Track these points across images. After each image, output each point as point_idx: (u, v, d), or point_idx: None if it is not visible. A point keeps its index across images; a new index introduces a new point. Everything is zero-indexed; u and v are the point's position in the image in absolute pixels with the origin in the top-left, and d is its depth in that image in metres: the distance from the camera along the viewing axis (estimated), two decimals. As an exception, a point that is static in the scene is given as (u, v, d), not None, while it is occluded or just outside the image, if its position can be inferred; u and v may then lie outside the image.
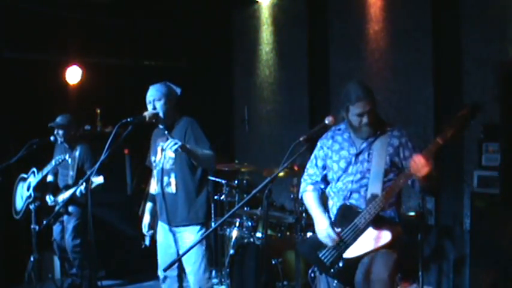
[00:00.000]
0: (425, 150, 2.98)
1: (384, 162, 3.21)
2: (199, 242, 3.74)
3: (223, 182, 5.69)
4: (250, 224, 5.28)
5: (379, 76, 5.86)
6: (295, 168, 5.02)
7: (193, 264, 3.90)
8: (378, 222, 3.17)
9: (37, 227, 4.99)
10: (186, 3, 7.15)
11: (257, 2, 7.31)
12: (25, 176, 5.62)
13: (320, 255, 3.31)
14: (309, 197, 3.54)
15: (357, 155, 3.31)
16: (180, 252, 3.89)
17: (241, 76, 7.93)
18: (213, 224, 4.09)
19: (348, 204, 3.29)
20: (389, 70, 5.69)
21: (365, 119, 3.23)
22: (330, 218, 3.37)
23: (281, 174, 3.85)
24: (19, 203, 5.62)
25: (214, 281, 5.38)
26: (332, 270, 3.25)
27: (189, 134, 3.85)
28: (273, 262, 4.68)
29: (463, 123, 2.88)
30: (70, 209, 5.47)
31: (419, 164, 2.91)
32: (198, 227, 3.89)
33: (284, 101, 7.15)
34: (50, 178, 5.66)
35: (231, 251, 5.08)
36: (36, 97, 6.28)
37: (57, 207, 5.40)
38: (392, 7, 5.62)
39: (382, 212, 3.19)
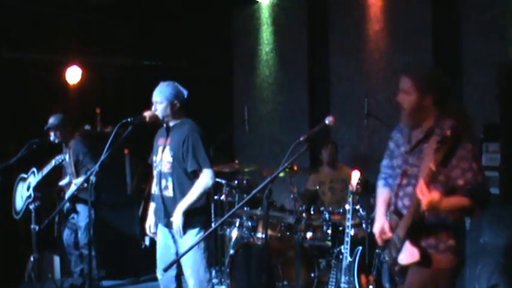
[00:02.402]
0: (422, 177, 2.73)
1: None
2: (198, 244, 3.72)
3: (223, 182, 5.68)
4: (250, 224, 5.27)
5: (379, 76, 5.86)
6: (295, 168, 5.02)
7: (191, 267, 3.87)
8: (414, 239, 2.87)
9: (37, 227, 4.99)
10: (186, 3, 7.15)
11: (257, 2, 7.32)
12: (25, 176, 5.61)
13: (384, 253, 3.11)
14: (377, 193, 3.27)
15: (409, 154, 2.97)
16: (180, 253, 3.88)
17: (241, 76, 7.93)
18: (213, 224, 4.07)
19: (398, 209, 3.00)
20: (390, 70, 5.69)
21: (401, 98, 2.95)
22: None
23: (281, 174, 3.84)
24: (19, 203, 5.62)
25: (214, 281, 5.38)
26: (391, 269, 3.06)
27: (187, 146, 3.81)
28: (273, 262, 4.68)
29: (452, 144, 2.62)
30: (78, 207, 5.44)
31: (421, 192, 2.64)
32: (196, 230, 3.87)
33: (284, 101, 7.15)
34: (66, 181, 5.64)
35: (231, 251, 5.07)
36: (36, 97, 6.28)
37: (59, 206, 5.39)
38: (392, 7, 5.63)
39: (426, 235, 2.87)
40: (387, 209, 3.14)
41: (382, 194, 3.22)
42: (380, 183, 3.27)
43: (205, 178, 3.81)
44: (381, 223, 3.08)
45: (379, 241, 3.10)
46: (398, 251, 2.93)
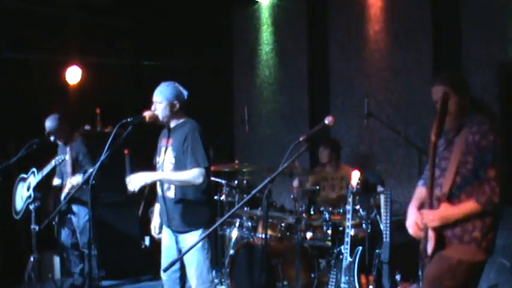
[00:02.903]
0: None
1: (456, 163, 2.81)
2: (201, 244, 3.72)
3: (223, 182, 5.68)
4: (250, 224, 5.27)
5: (379, 76, 5.86)
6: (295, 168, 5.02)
7: (195, 268, 3.87)
8: (436, 228, 2.90)
9: (37, 227, 4.99)
10: (186, 4, 7.16)
11: (257, 2, 7.32)
12: (25, 176, 5.60)
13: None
14: (415, 191, 3.26)
15: (443, 150, 2.95)
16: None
17: (241, 76, 7.93)
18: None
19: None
20: (390, 70, 5.69)
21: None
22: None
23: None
24: (19, 203, 5.62)
25: (214, 281, 5.37)
26: (423, 260, 3.08)
27: (187, 143, 3.81)
28: (273, 262, 4.68)
29: (443, 109, 2.75)
30: (75, 208, 5.44)
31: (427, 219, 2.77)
32: (200, 231, 3.87)
33: (284, 101, 7.15)
34: (57, 182, 5.62)
35: (231, 251, 5.08)
36: (36, 97, 6.28)
37: (58, 206, 5.39)
38: (392, 7, 5.63)
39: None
40: (420, 204, 3.12)
41: (418, 191, 3.22)
42: (419, 183, 3.27)
43: (196, 174, 3.73)
44: (413, 217, 3.07)
45: (413, 234, 3.06)
46: (427, 240, 2.92)
